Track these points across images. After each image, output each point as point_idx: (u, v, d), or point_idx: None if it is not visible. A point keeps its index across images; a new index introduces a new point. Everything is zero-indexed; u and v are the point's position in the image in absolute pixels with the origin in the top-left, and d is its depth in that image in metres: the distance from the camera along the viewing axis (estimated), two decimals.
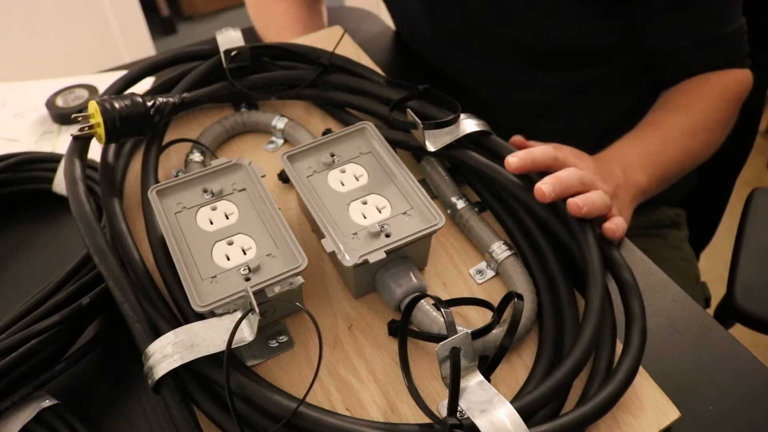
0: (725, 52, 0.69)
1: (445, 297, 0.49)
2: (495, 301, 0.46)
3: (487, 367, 0.40)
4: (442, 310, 0.41)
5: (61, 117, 0.74)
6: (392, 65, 0.81)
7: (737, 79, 0.70)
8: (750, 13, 0.69)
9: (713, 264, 1.13)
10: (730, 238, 0.77)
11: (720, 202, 0.89)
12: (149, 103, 0.53)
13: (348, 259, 0.44)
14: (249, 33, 0.71)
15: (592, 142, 0.71)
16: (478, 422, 0.36)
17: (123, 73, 0.61)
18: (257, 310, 0.39)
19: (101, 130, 0.51)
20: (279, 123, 0.63)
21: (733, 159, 0.84)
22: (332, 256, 0.46)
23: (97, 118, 0.50)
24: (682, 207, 0.82)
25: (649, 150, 0.64)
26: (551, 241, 0.50)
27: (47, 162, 0.62)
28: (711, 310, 0.83)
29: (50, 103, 0.74)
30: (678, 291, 0.51)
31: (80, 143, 0.52)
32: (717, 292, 0.83)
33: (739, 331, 0.60)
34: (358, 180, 0.50)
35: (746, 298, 0.69)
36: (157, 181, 0.53)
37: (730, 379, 0.45)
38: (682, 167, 0.68)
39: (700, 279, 0.80)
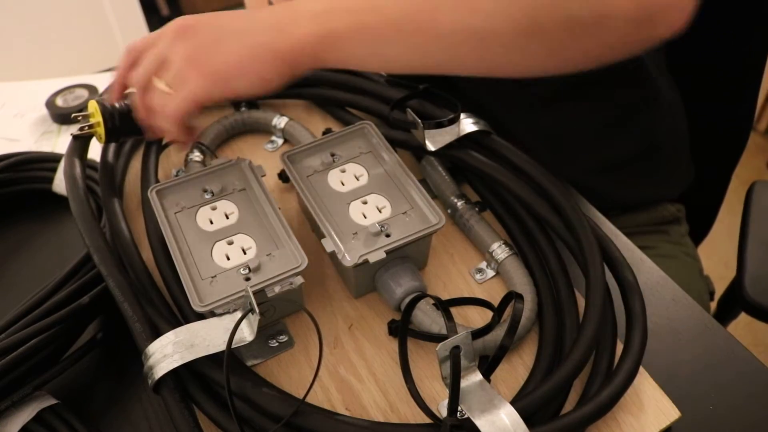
0: None
1: (445, 297, 0.49)
2: (495, 301, 0.46)
3: (487, 367, 0.40)
4: (442, 310, 0.41)
5: (61, 117, 0.74)
6: None
7: None
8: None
9: (713, 263, 1.13)
10: (728, 237, 0.77)
11: (717, 197, 0.89)
12: None
13: (348, 259, 0.44)
14: None
15: (592, 139, 0.70)
16: (478, 422, 0.36)
17: None
18: (257, 310, 0.39)
19: (101, 130, 0.51)
20: (279, 122, 0.63)
21: (730, 149, 0.84)
22: (332, 256, 0.46)
23: (97, 118, 0.50)
24: (681, 202, 0.82)
25: None
26: (551, 240, 0.50)
27: (47, 162, 0.62)
28: (713, 304, 0.83)
29: (50, 103, 0.74)
30: (678, 290, 0.51)
31: (80, 143, 0.52)
32: (717, 291, 0.83)
33: (739, 331, 0.60)
34: (358, 180, 0.50)
35: (755, 290, 0.69)
36: (157, 181, 0.53)
37: (730, 379, 0.45)
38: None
39: (704, 273, 0.80)
